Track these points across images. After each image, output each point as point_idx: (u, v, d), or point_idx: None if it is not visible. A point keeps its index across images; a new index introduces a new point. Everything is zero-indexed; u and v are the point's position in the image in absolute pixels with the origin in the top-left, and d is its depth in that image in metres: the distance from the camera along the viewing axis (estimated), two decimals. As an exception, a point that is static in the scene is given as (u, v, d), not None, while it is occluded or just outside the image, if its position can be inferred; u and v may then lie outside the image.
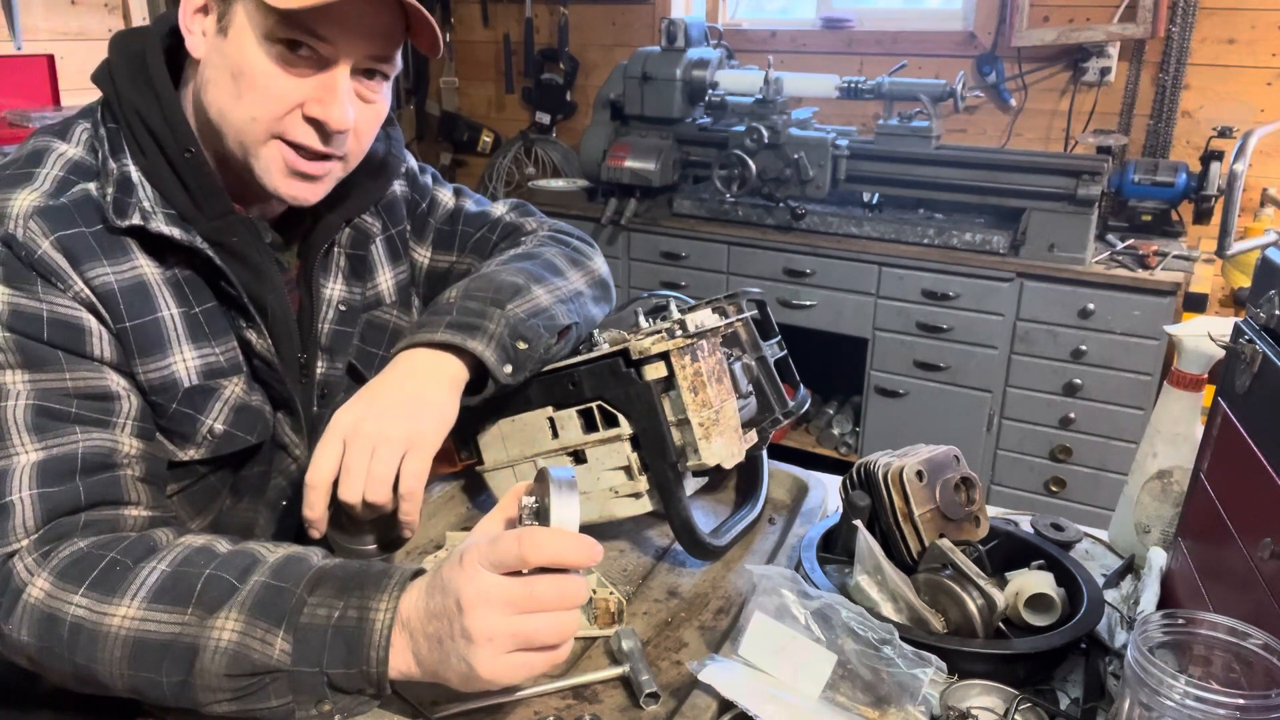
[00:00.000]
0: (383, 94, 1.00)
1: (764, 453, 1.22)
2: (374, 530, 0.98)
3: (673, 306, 1.14)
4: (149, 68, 0.95)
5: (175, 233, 0.92)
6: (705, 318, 1.07)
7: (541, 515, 0.80)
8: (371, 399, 0.94)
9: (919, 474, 0.99)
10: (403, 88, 4.42)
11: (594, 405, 1.05)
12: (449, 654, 0.75)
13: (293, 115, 0.93)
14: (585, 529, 0.78)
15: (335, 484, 0.92)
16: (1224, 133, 2.89)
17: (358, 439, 0.91)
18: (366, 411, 0.93)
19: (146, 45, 0.96)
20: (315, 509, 0.92)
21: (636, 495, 1.05)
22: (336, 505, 0.93)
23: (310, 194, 0.98)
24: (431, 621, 0.76)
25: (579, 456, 1.07)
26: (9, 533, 0.81)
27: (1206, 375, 1.06)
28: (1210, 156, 2.81)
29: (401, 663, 0.77)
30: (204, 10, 0.94)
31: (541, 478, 0.82)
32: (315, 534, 0.93)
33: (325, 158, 0.97)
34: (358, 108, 0.96)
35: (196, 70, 0.95)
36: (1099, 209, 2.74)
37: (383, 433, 0.92)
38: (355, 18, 0.91)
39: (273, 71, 0.91)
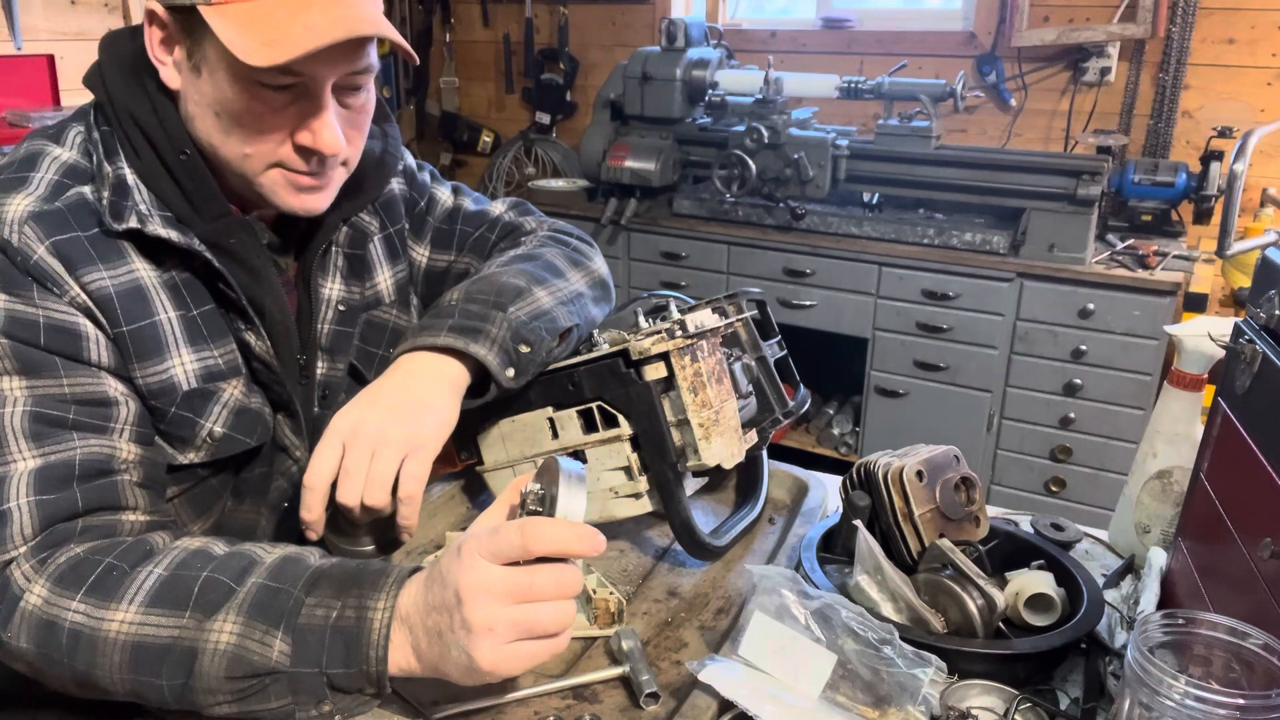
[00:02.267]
0: (366, 94, 0.98)
1: (764, 453, 1.21)
2: (372, 532, 0.98)
3: (673, 307, 1.14)
4: (140, 69, 0.94)
5: (173, 235, 0.92)
6: (705, 318, 1.07)
7: (547, 504, 0.80)
8: (372, 401, 0.94)
9: (919, 474, 0.99)
10: (403, 88, 4.42)
11: (594, 405, 1.05)
12: (449, 646, 0.75)
13: (285, 144, 0.93)
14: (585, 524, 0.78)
15: (334, 486, 0.91)
16: (1224, 133, 2.89)
17: (357, 441, 0.91)
18: (367, 414, 0.93)
19: (137, 46, 0.95)
20: (313, 511, 0.92)
21: (636, 495, 1.05)
22: (334, 507, 0.92)
23: (321, 203, 0.99)
24: (431, 615, 0.76)
25: (579, 457, 1.07)
26: (6, 540, 0.81)
27: (1206, 375, 1.05)
28: (1210, 156, 2.81)
29: (401, 659, 0.77)
30: (167, 43, 0.92)
31: (549, 468, 0.82)
32: (312, 536, 0.93)
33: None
34: (345, 118, 0.95)
35: (179, 94, 0.94)
36: (1099, 209, 2.75)
37: (383, 435, 0.91)
38: (328, 51, 0.88)
39: (256, 110, 0.90)
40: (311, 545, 0.90)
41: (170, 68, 0.93)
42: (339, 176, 1.00)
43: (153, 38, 0.92)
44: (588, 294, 1.16)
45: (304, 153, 0.93)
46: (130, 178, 0.93)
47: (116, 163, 0.93)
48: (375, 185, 1.11)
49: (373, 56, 0.95)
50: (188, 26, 0.89)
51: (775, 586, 0.86)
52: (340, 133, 0.94)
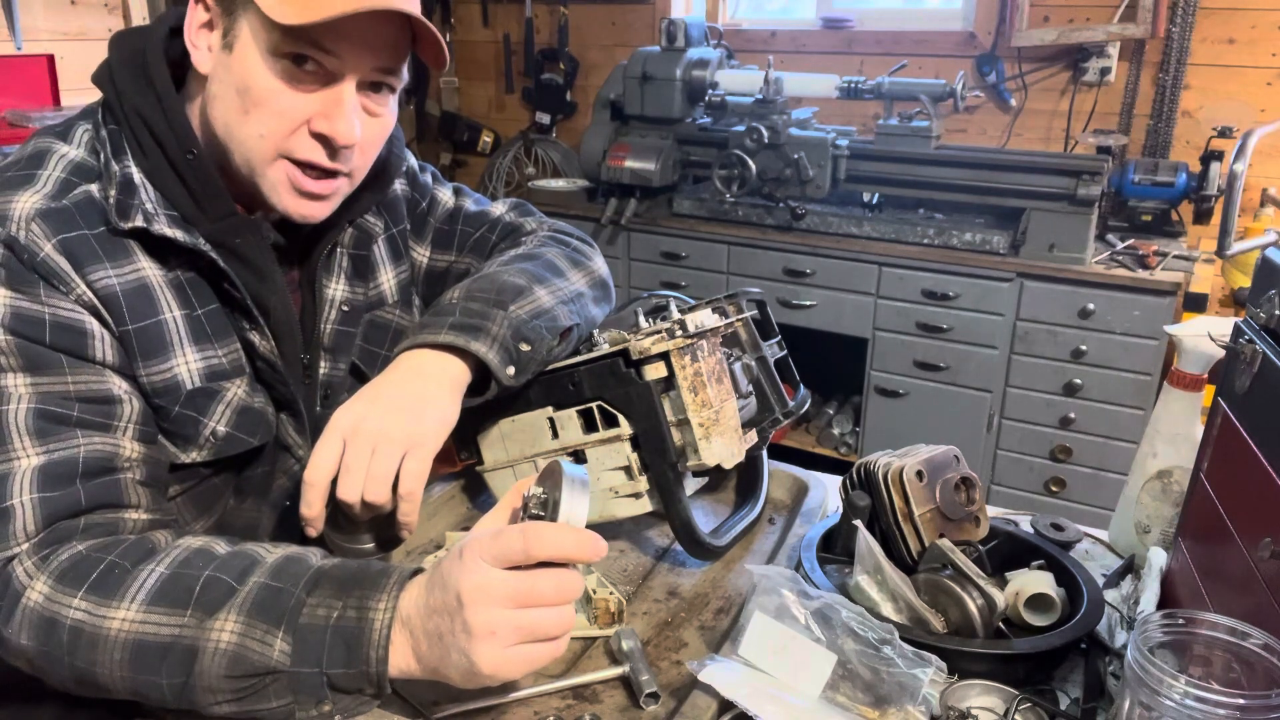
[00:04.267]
0: (389, 108, 0.99)
1: (764, 453, 1.22)
2: (371, 530, 0.98)
3: (673, 306, 1.14)
4: (149, 68, 0.94)
5: (178, 235, 0.92)
6: (705, 318, 1.07)
7: (549, 508, 0.80)
8: (373, 399, 0.94)
9: (919, 474, 0.99)
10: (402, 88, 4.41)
11: (594, 405, 1.05)
12: (449, 649, 0.75)
13: (300, 132, 0.93)
14: (586, 529, 0.79)
15: (334, 483, 0.92)
16: (1224, 133, 2.89)
17: (358, 438, 0.91)
18: (367, 411, 0.93)
19: (147, 45, 0.96)
20: (313, 507, 0.92)
21: (636, 495, 1.05)
22: (334, 504, 0.92)
23: (318, 212, 0.99)
24: (432, 617, 0.76)
25: (579, 456, 1.07)
26: (9, 536, 0.81)
27: (1206, 375, 1.06)
28: (1210, 156, 2.81)
29: (402, 661, 0.77)
30: (209, 26, 0.93)
31: (552, 472, 0.82)
32: (312, 533, 0.93)
33: (332, 175, 0.97)
34: (364, 122, 0.96)
35: (203, 84, 0.95)
36: (1099, 209, 2.75)
37: (383, 432, 0.91)
38: (361, 32, 0.91)
39: (278, 88, 0.91)
40: (313, 544, 0.90)
41: (203, 51, 0.94)
42: (342, 190, 1.00)
43: (194, 20, 0.93)
44: (588, 294, 1.17)
45: (319, 140, 0.94)
46: (137, 177, 0.93)
47: (123, 161, 0.93)
48: (380, 187, 1.12)
49: (404, 66, 0.97)
50: (229, 6, 0.91)
51: (775, 586, 0.86)
52: (357, 125, 0.94)
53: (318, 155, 0.94)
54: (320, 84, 0.92)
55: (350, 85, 0.93)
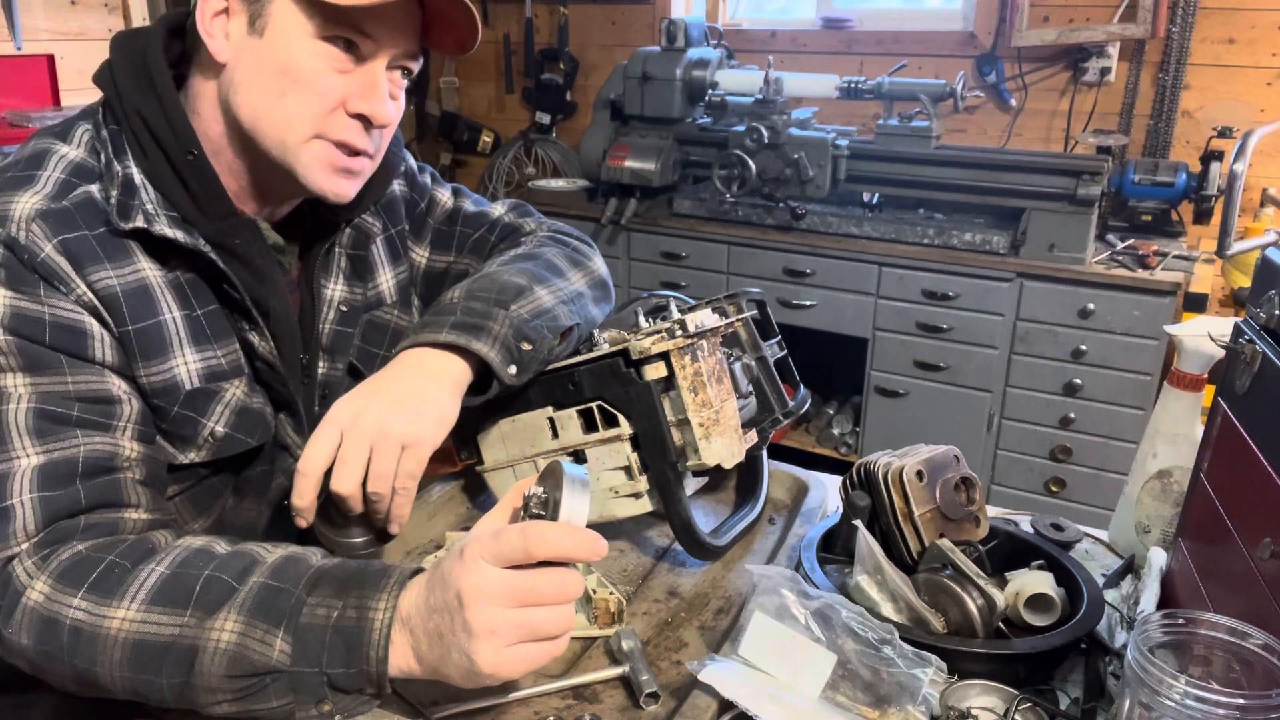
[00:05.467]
0: (403, 92, 1.02)
1: (764, 453, 1.22)
2: (362, 524, 0.98)
3: (673, 306, 1.14)
4: (150, 69, 0.95)
5: (178, 236, 0.92)
6: (705, 318, 1.07)
7: (550, 508, 0.80)
8: (373, 394, 0.94)
9: (919, 474, 0.99)
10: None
11: (594, 405, 1.05)
12: (450, 648, 0.75)
13: (337, 112, 0.95)
14: (587, 528, 0.79)
15: (327, 475, 0.91)
16: (1224, 133, 2.89)
17: (355, 431, 0.91)
18: (367, 405, 0.93)
19: (148, 46, 0.96)
20: (304, 497, 0.91)
21: (636, 495, 1.05)
22: (326, 496, 0.92)
23: (351, 190, 1.00)
24: (432, 617, 0.76)
25: (579, 456, 1.07)
26: (9, 536, 0.81)
27: (1206, 375, 1.06)
28: (1210, 156, 2.81)
29: (402, 660, 0.77)
30: (225, 13, 0.94)
31: (553, 471, 0.82)
32: (301, 523, 0.93)
33: (361, 154, 0.98)
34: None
35: (217, 74, 0.95)
36: (1099, 209, 2.75)
37: (382, 427, 0.91)
38: (395, 15, 0.93)
39: (320, 69, 0.93)
40: (312, 544, 0.90)
41: (220, 39, 0.94)
42: (368, 170, 1.02)
43: (208, 9, 0.93)
44: (588, 294, 1.17)
45: (355, 119, 0.96)
46: (137, 177, 0.93)
47: (124, 162, 0.93)
48: (378, 186, 1.12)
49: (419, 49, 1.00)
50: None
51: (775, 586, 0.86)
52: (391, 105, 0.97)
53: (354, 134, 0.96)
54: (355, 65, 0.95)
55: (382, 66, 0.96)
